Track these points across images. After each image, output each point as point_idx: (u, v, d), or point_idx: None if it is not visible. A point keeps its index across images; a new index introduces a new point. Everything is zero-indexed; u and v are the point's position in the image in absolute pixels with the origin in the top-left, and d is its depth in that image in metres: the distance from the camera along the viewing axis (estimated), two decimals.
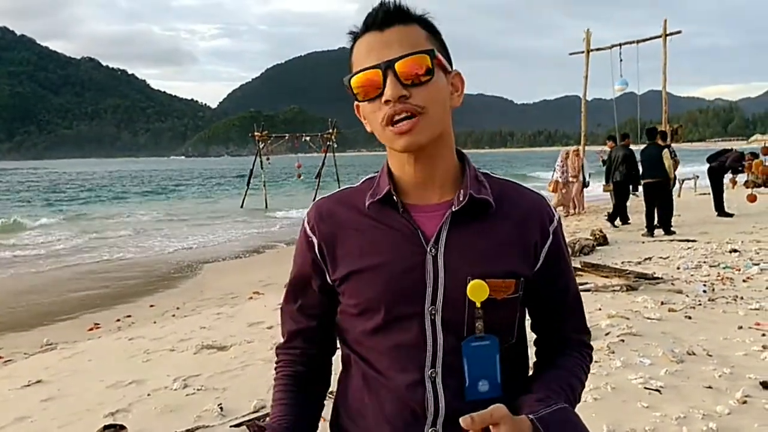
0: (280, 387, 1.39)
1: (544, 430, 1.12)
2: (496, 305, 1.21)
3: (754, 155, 14.71)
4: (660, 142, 12.48)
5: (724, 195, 14.37)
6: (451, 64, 1.26)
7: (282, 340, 1.44)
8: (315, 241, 1.31)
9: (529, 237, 1.27)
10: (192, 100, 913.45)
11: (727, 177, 15.55)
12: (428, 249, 1.22)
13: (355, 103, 1.26)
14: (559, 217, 1.36)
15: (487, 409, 1.09)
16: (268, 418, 1.36)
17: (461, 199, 1.23)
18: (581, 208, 16.62)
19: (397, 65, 1.15)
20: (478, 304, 1.18)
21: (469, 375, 1.16)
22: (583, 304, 1.44)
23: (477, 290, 1.17)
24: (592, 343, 1.44)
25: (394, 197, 1.24)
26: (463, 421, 1.07)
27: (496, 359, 1.18)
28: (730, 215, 13.75)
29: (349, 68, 1.23)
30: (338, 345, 1.41)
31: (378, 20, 1.19)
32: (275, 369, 1.43)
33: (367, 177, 1.36)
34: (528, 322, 1.39)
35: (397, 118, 1.16)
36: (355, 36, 1.23)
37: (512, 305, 1.26)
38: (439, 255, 1.22)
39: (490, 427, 1.08)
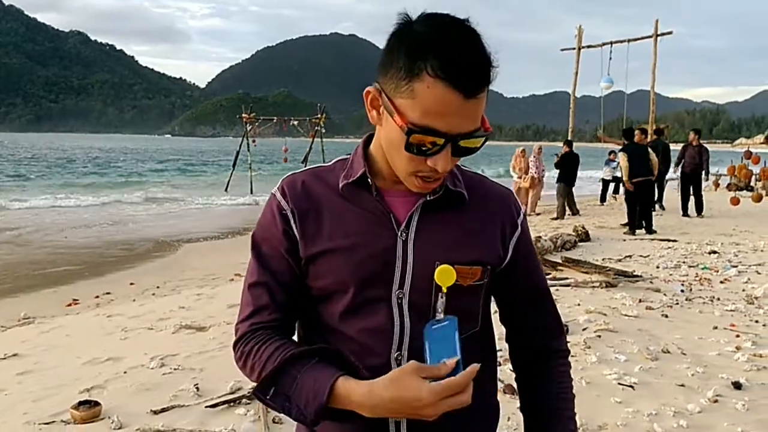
0: (266, 345, 1.24)
1: None
2: (462, 291, 1.23)
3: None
4: (641, 139, 12.75)
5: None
6: None
7: (242, 317, 1.31)
8: (289, 213, 1.27)
9: (498, 228, 1.30)
10: (180, 78, 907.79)
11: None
12: (399, 233, 1.23)
13: (369, 89, 1.17)
14: (525, 211, 1.38)
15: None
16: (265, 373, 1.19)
17: (437, 190, 1.24)
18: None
19: (463, 141, 1.11)
20: (444, 289, 1.18)
21: (430, 357, 1.15)
22: (555, 301, 1.45)
23: (444, 275, 1.17)
24: (569, 337, 1.47)
25: (369, 180, 1.24)
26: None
27: (455, 339, 1.14)
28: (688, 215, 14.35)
29: (400, 76, 1.09)
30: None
31: (468, 86, 1.06)
32: (240, 343, 1.28)
33: (340, 158, 1.34)
34: (496, 315, 1.41)
35: (429, 180, 1.17)
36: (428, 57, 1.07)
37: (476, 292, 1.28)
38: (409, 239, 1.23)
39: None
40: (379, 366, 1.20)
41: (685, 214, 14.58)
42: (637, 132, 13.39)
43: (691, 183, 14.81)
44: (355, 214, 1.25)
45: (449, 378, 1.05)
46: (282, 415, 3.90)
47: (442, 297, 1.18)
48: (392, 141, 1.15)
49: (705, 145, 15.34)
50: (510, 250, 1.32)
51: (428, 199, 1.24)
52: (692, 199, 14.60)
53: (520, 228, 1.34)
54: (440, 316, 1.18)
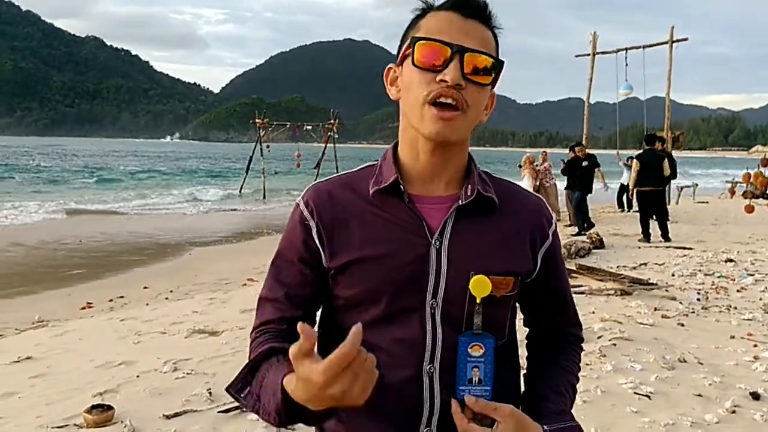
0: (269, 342, 1.24)
1: None
2: (495, 302, 1.21)
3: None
4: (659, 148, 12.51)
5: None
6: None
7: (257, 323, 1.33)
8: (312, 224, 1.25)
9: (529, 237, 1.28)
10: (195, 84, 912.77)
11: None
12: (432, 241, 1.20)
13: (389, 65, 1.27)
14: (555, 220, 1.36)
15: (494, 403, 1.11)
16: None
17: (469, 193, 1.22)
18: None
19: (469, 54, 1.15)
20: (479, 300, 1.16)
21: (462, 371, 1.15)
22: (575, 303, 1.45)
23: (479, 285, 1.16)
24: (584, 345, 1.45)
25: (401, 186, 1.22)
26: (468, 400, 1.10)
27: (492, 359, 1.17)
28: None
29: (412, 28, 1.22)
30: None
31: (465, 7, 1.18)
32: (252, 345, 1.28)
33: (367, 164, 1.32)
34: (519, 319, 1.39)
35: (443, 100, 1.15)
36: (430, 5, 1.22)
37: (507, 302, 1.26)
38: (443, 248, 1.20)
39: (498, 421, 1.11)
40: (410, 378, 1.19)
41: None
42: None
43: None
44: (387, 221, 1.22)
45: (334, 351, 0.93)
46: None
47: (478, 309, 1.17)
48: (408, 86, 1.19)
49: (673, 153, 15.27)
50: (539, 261, 1.30)
51: (461, 203, 1.22)
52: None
53: (551, 238, 1.32)
54: (478, 330, 1.17)
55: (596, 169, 14.46)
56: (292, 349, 0.94)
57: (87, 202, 23.98)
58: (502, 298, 1.23)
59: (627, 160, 17.92)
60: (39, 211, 19.60)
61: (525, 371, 1.41)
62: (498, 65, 1.19)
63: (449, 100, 1.14)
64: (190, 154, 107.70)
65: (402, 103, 1.23)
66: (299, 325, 0.93)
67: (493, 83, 1.22)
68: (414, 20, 1.22)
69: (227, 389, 1.18)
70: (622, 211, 17.86)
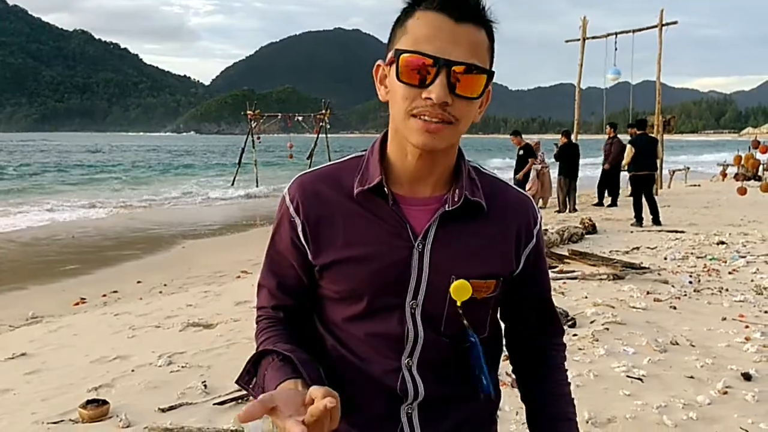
0: (267, 332, 1.31)
1: None
2: (476, 304, 1.23)
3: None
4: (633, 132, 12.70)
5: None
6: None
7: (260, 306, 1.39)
8: (298, 221, 1.26)
9: (513, 239, 1.28)
10: (185, 76, 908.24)
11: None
12: (415, 244, 1.21)
13: (378, 62, 1.20)
14: (541, 218, 1.36)
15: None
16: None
17: (456, 199, 1.21)
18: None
19: (456, 68, 1.08)
20: (459, 303, 1.18)
21: (478, 370, 1.24)
22: (555, 307, 1.47)
23: (460, 290, 1.18)
24: (576, 330, 1.50)
25: (385, 189, 1.21)
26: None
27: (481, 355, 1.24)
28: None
29: (399, 26, 1.15)
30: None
31: (456, 8, 1.09)
32: (256, 330, 1.36)
33: (354, 155, 1.31)
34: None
35: (427, 118, 1.10)
36: (419, 1, 1.13)
37: (488, 303, 1.28)
38: (426, 251, 1.21)
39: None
40: (390, 370, 1.23)
41: (600, 202, 15.70)
42: (608, 127, 13.70)
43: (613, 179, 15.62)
44: (371, 222, 1.22)
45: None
46: None
47: (461, 311, 1.20)
48: (393, 96, 1.14)
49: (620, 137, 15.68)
50: (522, 261, 1.30)
51: (447, 209, 1.21)
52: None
53: (535, 238, 1.31)
54: (469, 330, 1.22)
55: (529, 159, 14.72)
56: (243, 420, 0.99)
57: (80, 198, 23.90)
58: (483, 300, 1.25)
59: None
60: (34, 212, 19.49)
61: (521, 394, 1.45)
62: (489, 76, 1.14)
63: (435, 120, 1.10)
64: (188, 146, 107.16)
65: (390, 106, 1.18)
66: (238, 417, 0.99)
67: (485, 92, 1.16)
68: (402, 16, 1.15)
69: (237, 382, 1.24)
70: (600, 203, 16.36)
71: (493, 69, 1.15)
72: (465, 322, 1.20)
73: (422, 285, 1.21)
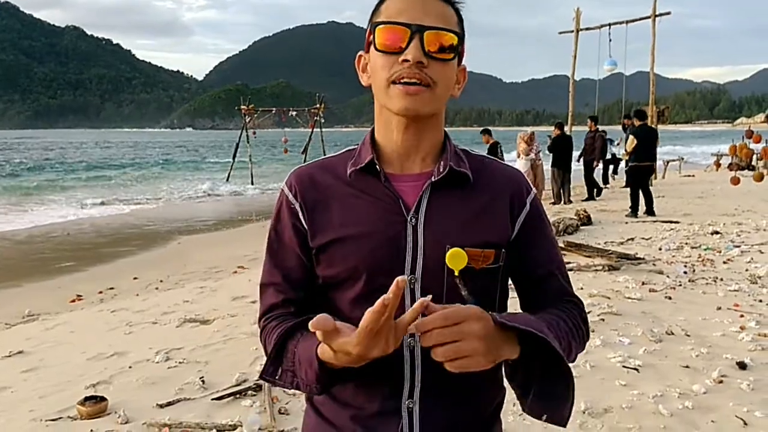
0: (281, 326, 1.26)
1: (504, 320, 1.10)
2: (475, 275, 1.22)
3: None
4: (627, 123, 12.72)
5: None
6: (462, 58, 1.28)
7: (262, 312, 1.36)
8: (297, 206, 1.30)
9: (506, 207, 1.29)
10: (178, 71, 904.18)
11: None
12: (408, 218, 1.23)
13: (359, 53, 1.30)
14: (536, 192, 1.36)
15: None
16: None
17: (441, 170, 1.25)
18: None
19: (427, 33, 1.17)
20: (456, 272, 1.17)
21: None
22: (569, 276, 1.39)
23: (455, 258, 1.16)
24: None
25: (377, 166, 1.25)
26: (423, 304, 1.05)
27: None
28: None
29: (374, 14, 1.24)
30: None
31: None
32: (261, 336, 1.33)
33: (347, 149, 1.36)
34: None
35: (406, 80, 1.18)
36: None
37: (492, 276, 1.28)
38: (419, 224, 1.23)
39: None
40: (392, 352, 1.20)
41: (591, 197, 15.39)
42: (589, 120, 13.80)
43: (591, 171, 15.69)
44: (364, 201, 1.26)
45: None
46: (288, 405, 3.89)
47: (460, 282, 1.17)
48: (374, 70, 1.23)
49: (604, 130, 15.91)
50: (516, 228, 1.29)
51: (434, 180, 1.25)
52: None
53: (528, 206, 1.31)
54: (469, 298, 1.17)
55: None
56: (316, 327, 1.01)
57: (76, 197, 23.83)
58: (484, 271, 1.24)
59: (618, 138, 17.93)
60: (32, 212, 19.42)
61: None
62: (461, 40, 1.22)
63: (414, 80, 1.17)
64: (182, 142, 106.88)
65: (372, 87, 1.26)
66: (310, 326, 1.01)
67: (459, 58, 1.25)
68: (376, 6, 1.24)
69: (261, 377, 1.24)
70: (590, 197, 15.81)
71: (464, 40, 1.26)
72: (464, 292, 1.18)
73: (419, 259, 1.22)
